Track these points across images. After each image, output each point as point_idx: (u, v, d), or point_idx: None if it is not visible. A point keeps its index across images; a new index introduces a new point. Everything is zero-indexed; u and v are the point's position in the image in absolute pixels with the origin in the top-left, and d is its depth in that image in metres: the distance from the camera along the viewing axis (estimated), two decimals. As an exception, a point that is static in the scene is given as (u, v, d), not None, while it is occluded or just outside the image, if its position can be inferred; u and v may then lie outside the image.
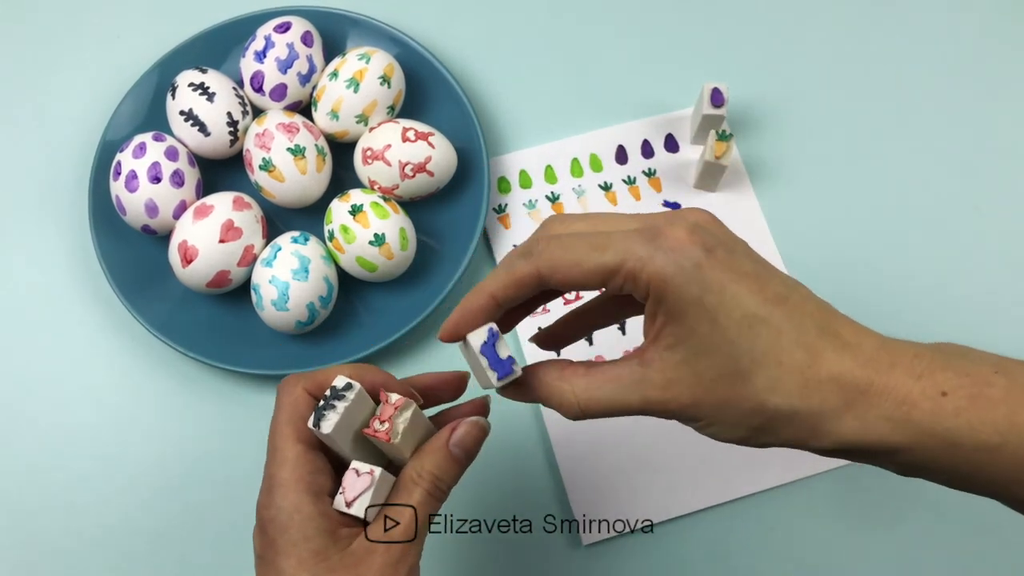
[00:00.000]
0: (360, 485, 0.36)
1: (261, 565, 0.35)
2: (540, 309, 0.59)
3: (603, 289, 0.34)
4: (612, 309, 0.40)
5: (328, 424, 0.35)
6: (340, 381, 0.35)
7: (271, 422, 0.37)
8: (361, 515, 0.35)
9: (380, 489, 0.36)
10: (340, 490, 0.36)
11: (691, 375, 0.32)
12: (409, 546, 0.35)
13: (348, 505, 0.35)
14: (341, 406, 0.35)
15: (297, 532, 0.34)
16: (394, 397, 0.36)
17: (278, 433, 0.36)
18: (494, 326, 0.35)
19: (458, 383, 0.41)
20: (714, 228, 0.33)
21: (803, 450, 0.33)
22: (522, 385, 0.36)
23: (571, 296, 0.59)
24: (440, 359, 0.59)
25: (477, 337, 0.35)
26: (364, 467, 0.36)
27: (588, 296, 0.41)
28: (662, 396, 0.33)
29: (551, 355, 0.47)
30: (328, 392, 0.35)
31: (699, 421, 0.34)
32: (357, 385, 0.35)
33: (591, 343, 0.58)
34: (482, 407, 0.40)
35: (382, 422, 0.36)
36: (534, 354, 0.57)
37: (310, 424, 0.35)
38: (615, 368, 0.34)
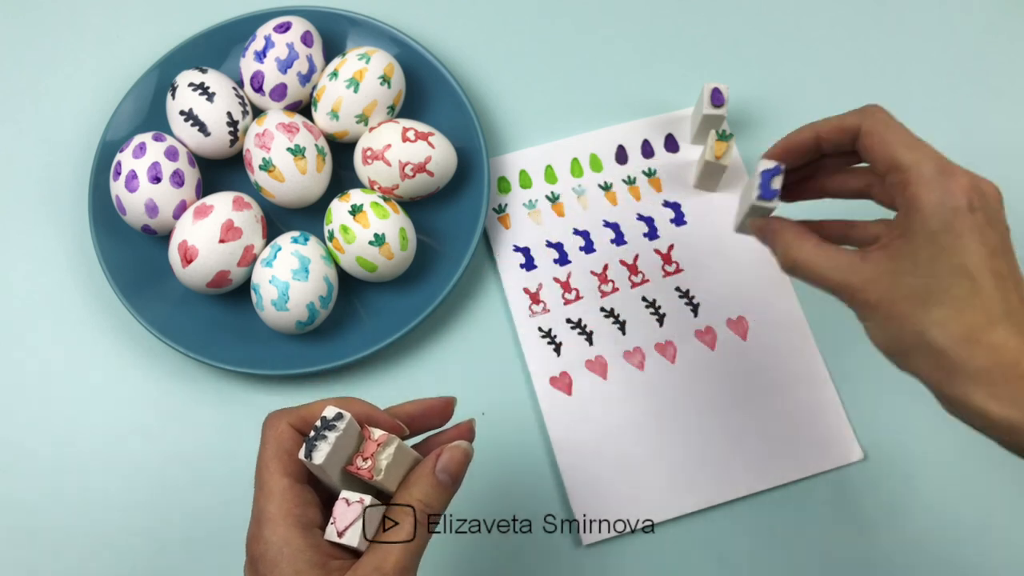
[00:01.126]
0: (351, 515, 0.36)
1: None
2: (541, 309, 0.59)
3: (883, 178, 0.40)
4: (853, 186, 0.45)
5: (319, 455, 0.35)
6: (330, 412, 0.35)
7: (257, 458, 0.37)
8: (354, 544, 0.35)
9: (371, 518, 0.36)
10: (331, 520, 0.36)
11: (890, 283, 0.38)
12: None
13: (340, 535, 0.35)
14: (332, 436, 0.35)
15: (288, 566, 0.34)
16: (377, 433, 0.36)
17: (264, 468, 0.36)
18: (782, 165, 0.43)
19: (444, 408, 0.41)
20: (992, 200, 0.38)
21: (931, 390, 0.38)
22: (766, 223, 0.44)
23: (562, 277, 0.59)
24: (441, 358, 0.59)
25: (765, 164, 0.43)
26: (354, 496, 0.36)
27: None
28: (860, 286, 0.39)
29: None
30: (319, 423, 0.35)
31: (869, 320, 0.39)
32: (347, 415, 0.36)
33: (591, 343, 0.58)
34: (467, 432, 0.41)
35: (365, 459, 0.36)
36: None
37: (301, 455, 0.35)
38: (839, 251, 0.40)
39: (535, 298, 0.59)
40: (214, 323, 0.58)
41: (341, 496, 0.36)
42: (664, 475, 0.55)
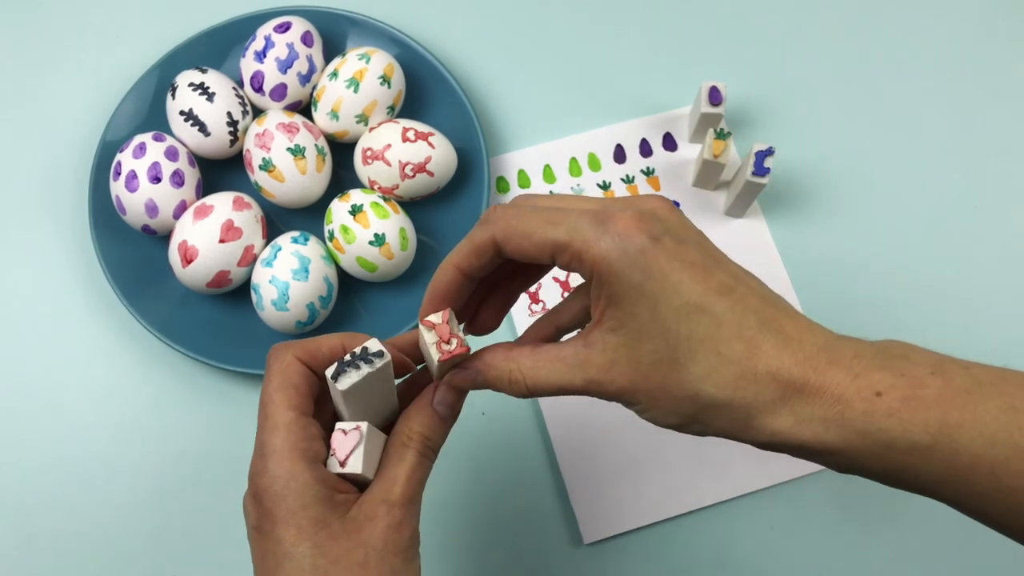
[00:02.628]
0: (350, 443, 0.35)
1: (258, 536, 0.35)
2: (540, 309, 0.59)
3: (553, 264, 0.34)
4: (533, 274, 0.40)
5: (346, 381, 0.34)
6: (374, 345, 0.34)
7: (261, 391, 0.36)
8: (358, 471, 0.35)
9: (370, 443, 0.35)
10: (331, 452, 0.35)
11: (630, 359, 0.33)
12: (409, 508, 0.35)
13: (342, 464, 0.35)
14: (365, 369, 0.34)
15: (295, 500, 0.33)
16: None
17: (269, 401, 0.35)
18: (449, 311, 0.35)
19: None
20: (667, 216, 0.34)
21: (739, 441, 0.33)
22: (469, 369, 0.36)
23: (561, 276, 0.59)
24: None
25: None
26: (349, 425, 0.35)
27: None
28: (602, 378, 0.33)
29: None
30: (358, 351, 0.34)
31: (637, 405, 0.34)
32: (388, 357, 0.34)
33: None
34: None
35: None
36: None
37: (328, 373, 0.34)
38: (560, 349, 0.34)
39: (534, 298, 0.60)
40: (214, 323, 0.58)
41: (337, 427, 0.35)
42: (664, 474, 0.55)
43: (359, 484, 0.36)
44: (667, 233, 0.33)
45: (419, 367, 0.40)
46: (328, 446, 0.36)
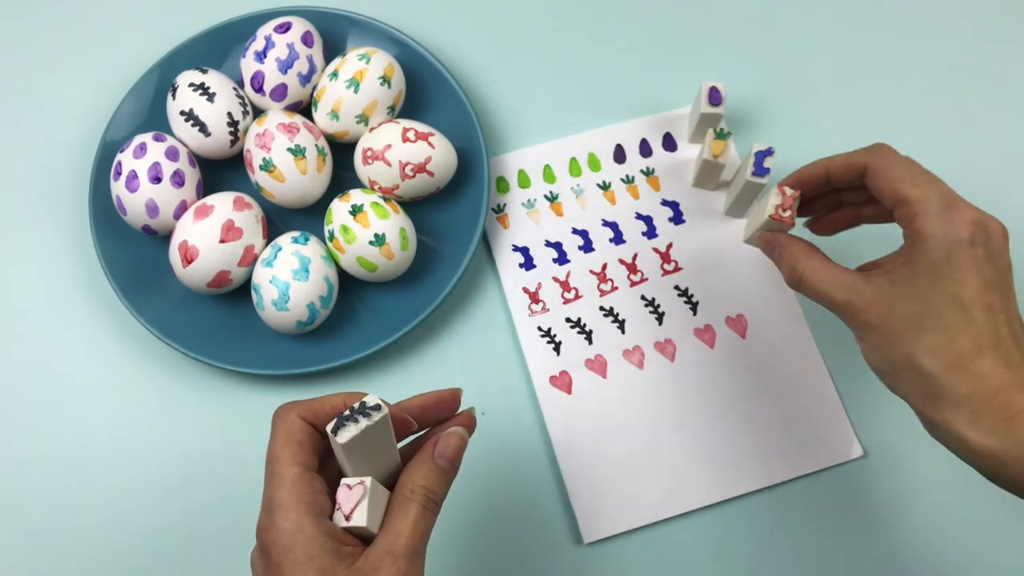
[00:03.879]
0: (354, 497, 0.36)
1: None
2: (540, 308, 0.59)
3: (890, 211, 0.42)
4: (880, 212, 0.47)
5: (346, 435, 0.35)
6: (371, 400, 0.35)
7: (268, 449, 0.37)
8: (363, 523, 0.35)
9: (374, 497, 0.36)
10: (336, 507, 0.36)
11: (889, 306, 0.40)
12: (414, 561, 0.36)
13: (347, 518, 0.36)
14: (364, 423, 0.35)
15: (302, 552, 0.34)
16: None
17: (275, 458, 0.37)
18: (799, 194, 0.49)
19: (451, 399, 0.42)
20: (995, 237, 0.40)
21: (913, 409, 0.40)
22: (774, 238, 0.48)
23: (561, 276, 0.59)
24: (441, 358, 0.59)
25: (758, 146, 0.51)
26: (354, 480, 0.36)
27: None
28: (860, 305, 0.41)
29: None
30: (356, 406, 0.35)
31: (865, 340, 0.41)
32: (386, 410, 0.35)
33: (591, 342, 0.58)
34: (468, 421, 0.41)
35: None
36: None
37: (328, 429, 0.35)
38: (844, 271, 0.43)
39: (534, 297, 0.60)
40: (214, 323, 0.58)
41: (342, 483, 0.36)
42: (664, 473, 0.55)
43: (363, 538, 0.37)
44: (985, 245, 0.39)
45: (422, 431, 0.41)
46: (333, 501, 0.37)
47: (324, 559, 0.34)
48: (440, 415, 0.41)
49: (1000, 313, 0.39)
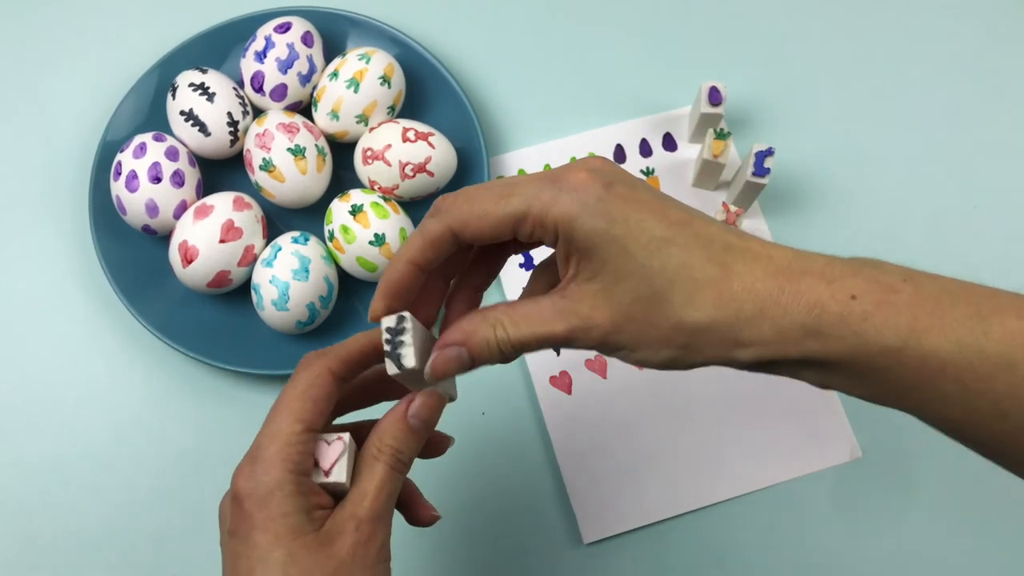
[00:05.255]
0: (333, 453, 0.36)
1: (232, 541, 0.35)
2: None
3: (513, 239, 0.34)
4: (494, 262, 0.39)
5: (409, 357, 0.34)
6: (390, 320, 0.34)
7: (282, 392, 0.36)
8: (342, 480, 0.35)
9: (354, 453, 0.36)
10: (315, 463, 0.36)
11: (610, 301, 0.33)
12: (377, 524, 0.35)
13: (327, 474, 0.35)
14: (408, 336, 0.34)
15: (276, 507, 0.34)
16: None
17: (284, 407, 0.36)
18: (404, 314, 0.35)
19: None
20: (613, 169, 0.34)
21: (729, 366, 0.33)
22: (450, 347, 0.35)
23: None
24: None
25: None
26: (331, 436, 0.36)
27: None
28: (585, 324, 0.33)
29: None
30: (386, 335, 0.34)
31: (624, 348, 0.34)
32: (407, 314, 0.35)
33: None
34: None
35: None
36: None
37: (390, 372, 0.34)
38: (537, 303, 0.34)
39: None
40: (214, 323, 0.58)
41: (320, 439, 0.36)
42: (664, 473, 0.56)
43: (338, 495, 0.36)
44: (617, 181, 0.33)
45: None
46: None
47: (296, 518, 0.34)
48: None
49: (695, 219, 0.33)
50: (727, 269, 0.32)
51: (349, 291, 0.58)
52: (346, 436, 0.36)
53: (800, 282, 0.32)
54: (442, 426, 0.58)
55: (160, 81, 0.62)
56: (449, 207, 0.34)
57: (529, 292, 0.39)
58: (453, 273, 0.39)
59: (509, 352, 0.35)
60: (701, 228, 0.33)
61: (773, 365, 0.33)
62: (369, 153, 0.58)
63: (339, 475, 0.35)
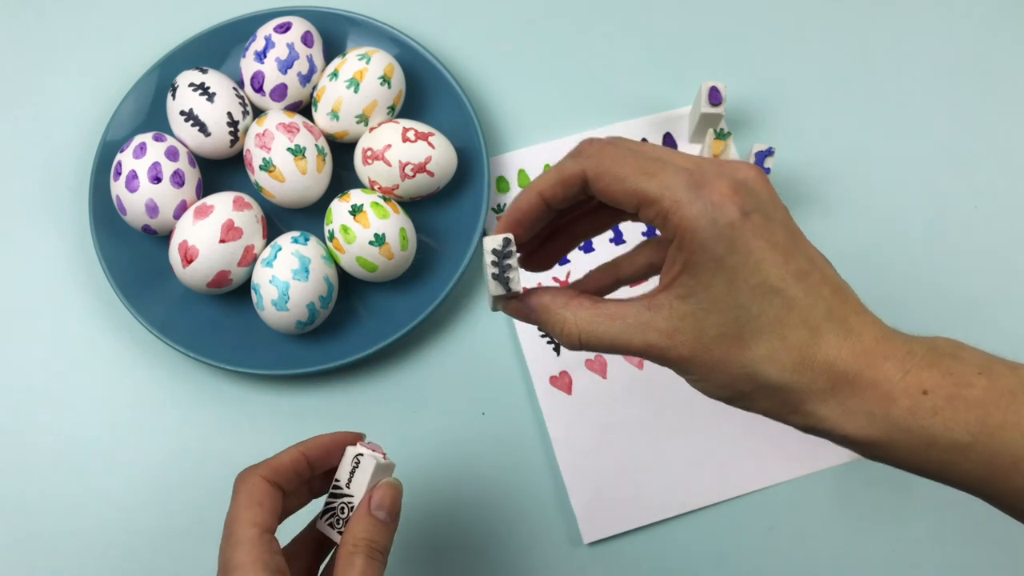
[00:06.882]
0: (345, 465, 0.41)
1: None
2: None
3: (635, 213, 0.34)
4: (605, 220, 0.39)
5: (517, 282, 0.34)
6: (496, 241, 0.34)
7: (228, 511, 0.38)
8: (370, 469, 0.40)
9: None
10: (324, 507, 0.40)
11: (695, 329, 0.33)
12: None
13: (347, 485, 0.40)
14: (514, 259, 0.34)
15: None
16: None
17: (235, 519, 0.37)
18: (510, 235, 0.35)
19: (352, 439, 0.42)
20: (760, 190, 0.33)
21: (780, 422, 0.34)
22: (524, 304, 0.36)
23: (561, 275, 0.59)
24: (441, 358, 0.59)
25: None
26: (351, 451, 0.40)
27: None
28: (664, 343, 0.33)
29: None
30: (493, 257, 0.34)
31: (691, 375, 0.34)
32: (510, 235, 0.35)
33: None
34: (352, 439, 0.42)
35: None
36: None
37: (495, 293, 0.35)
38: (622, 307, 0.34)
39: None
40: (214, 323, 0.58)
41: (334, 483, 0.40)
42: (664, 473, 0.56)
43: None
44: (757, 209, 0.32)
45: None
46: (291, 564, 0.38)
47: None
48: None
49: (813, 273, 0.33)
50: (817, 337, 0.32)
51: (349, 291, 0.58)
52: (368, 449, 0.41)
53: (878, 370, 0.32)
54: (441, 424, 0.58)
55: (160, 81, 0.62)
56: (593, 153, 0.34)
57: (625, 259, 0.39)
58: (568, 218, 0.39)
59: (574, 345, 0.35)
60: (813, 285, 0.32)
61: (829, 436, 0.33)
62: (369, 153, 0.58)
63: (358, 486, 0.40)
